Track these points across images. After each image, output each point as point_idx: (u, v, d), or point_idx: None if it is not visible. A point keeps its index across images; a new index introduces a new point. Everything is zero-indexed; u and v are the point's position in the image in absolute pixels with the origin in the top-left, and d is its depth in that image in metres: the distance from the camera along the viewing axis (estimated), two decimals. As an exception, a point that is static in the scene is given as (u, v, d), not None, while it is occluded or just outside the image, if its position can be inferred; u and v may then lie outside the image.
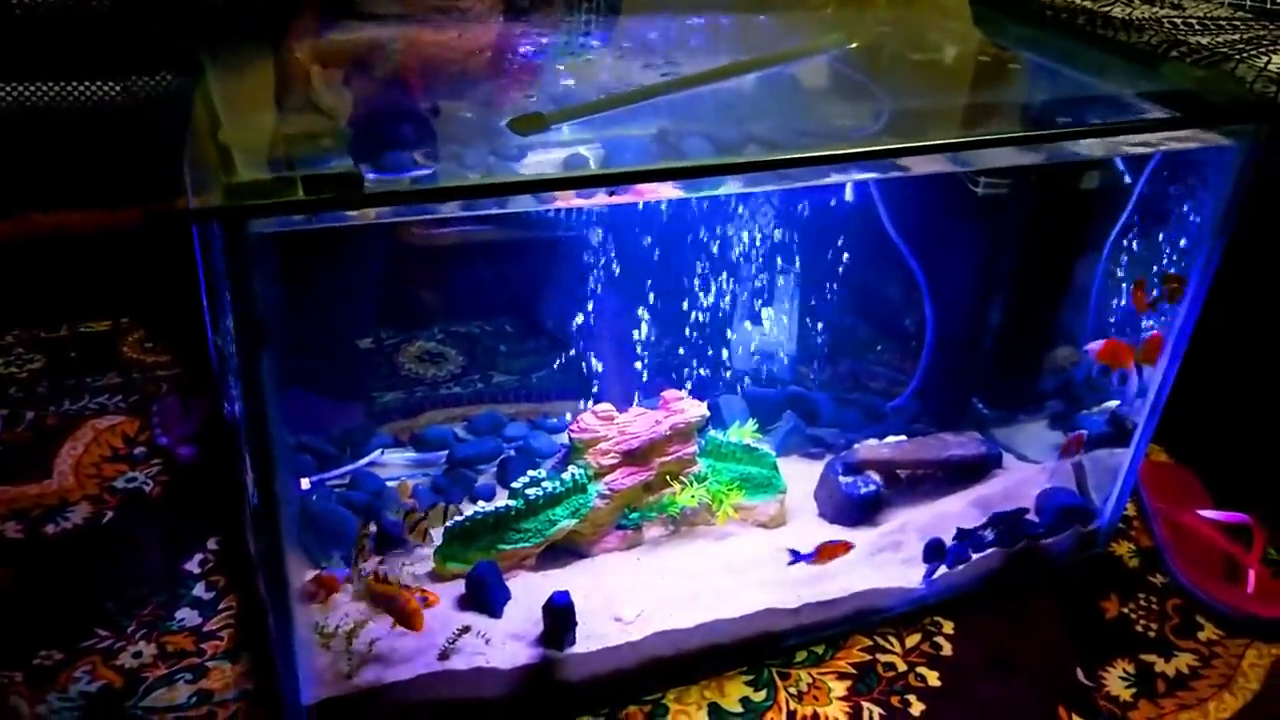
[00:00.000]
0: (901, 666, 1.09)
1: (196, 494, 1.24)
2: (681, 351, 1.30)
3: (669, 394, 1.16)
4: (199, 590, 1.11)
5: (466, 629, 0.98)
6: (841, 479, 1.20)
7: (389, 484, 1.18)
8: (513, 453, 1.24)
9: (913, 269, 1.30)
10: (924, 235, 1.28)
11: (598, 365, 1.24)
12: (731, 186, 0.90)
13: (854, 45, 1.06)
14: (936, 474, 1.25)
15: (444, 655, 0.96)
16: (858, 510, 1.19)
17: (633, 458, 1.12)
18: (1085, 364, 1.18)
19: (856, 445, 1.24)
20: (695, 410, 1.15)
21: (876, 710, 1.04)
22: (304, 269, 1.10)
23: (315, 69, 1.00)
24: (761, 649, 1.08)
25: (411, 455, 1.25)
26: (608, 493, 1.11)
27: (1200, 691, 1.10)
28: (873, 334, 1.45)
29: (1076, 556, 1.23)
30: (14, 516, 1.19)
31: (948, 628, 1.14)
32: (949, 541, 1.13)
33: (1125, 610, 1.20)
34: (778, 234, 1.30)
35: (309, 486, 1.13)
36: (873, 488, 1.19)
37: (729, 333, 1.35)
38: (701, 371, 1.32)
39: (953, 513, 1.20)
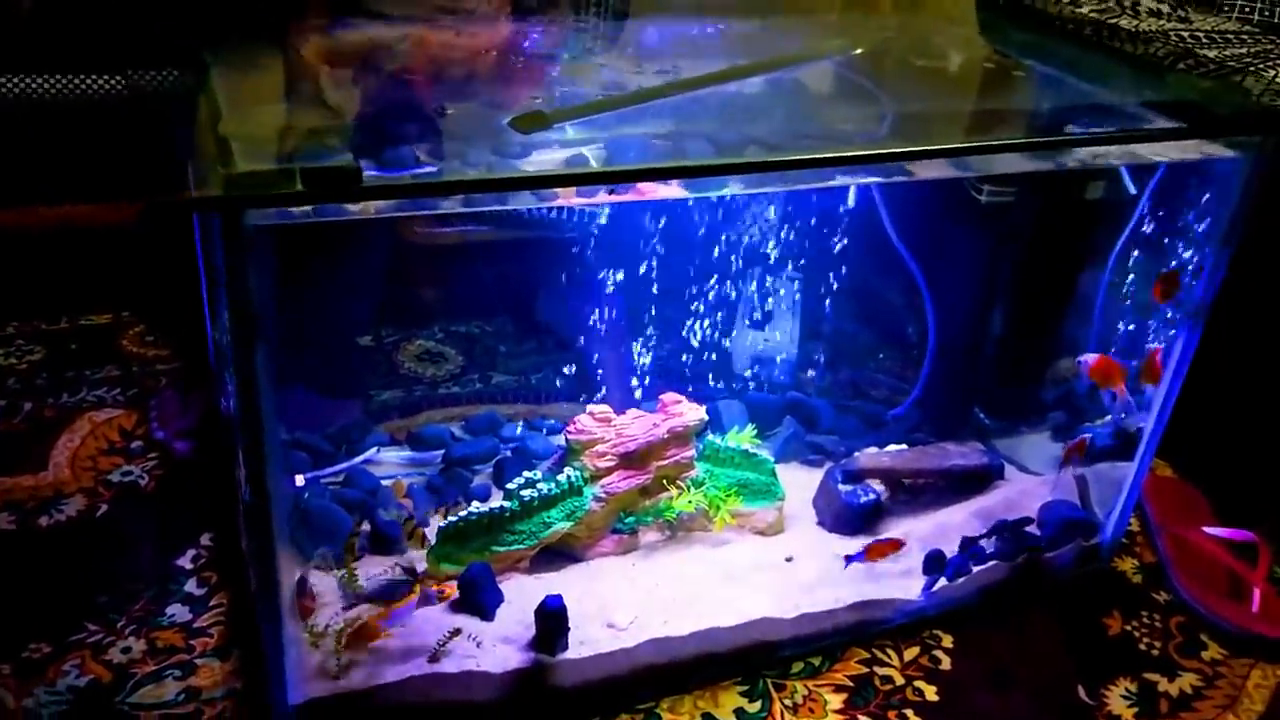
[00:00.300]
0: (899, 680, 1.08)
1: (191, 489, 1.23)
2: (681, 355, 1.30)
3: (667, 397, 1.15)
4: (190, 586, 1.10)
5: (458, 631, 0.97)
6: (841, 487, 1.19)
7: (384, 482, 1.17)
8: (509, 453, 1.24)
9: (915, 276, 1.29)
10: (927, 243, 1.28)
11: (597, 367, 1.24)
12: (733, 188, 0.90)
13: (859, 51, 1.05)
14: (937, 484, 1.24)
15: (434, 657, 0.96)
16: (857, 519, 1.18)
17: (630, 461, 1.11)
18: (1081, 376, 1.17)
19: (857, 453, 1.23)
20: (694, 414, 1.14)
21: (872, 723, 1.03)
22: (304, 264, 1.10)
23: (321, 67, 1.00)
24: (757, 659, 1.07)
25: (407, 454, 1.25)
26: (604, 496, 1.10)
27: (1204, 712, 1.08)
28: (874, 341, 1.44)
29: (1079, 571, 1.22)
30: (8, 508, 1.18)
31: (947, 641, 1.13)
32: (949, 553, 1.12)
33: (1128, 627, 1.18)
34: (780, 239, 1.29)
35: (303, 483, 1.12)
36: (872, 497, 1.18)
37: (729, 337, 1.34)
38: (703, 375, 1.31)
39: (953, 524, 1.19)
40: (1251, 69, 1.09)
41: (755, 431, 1.22)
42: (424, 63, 1.05)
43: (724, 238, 1.24)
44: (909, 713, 1.04)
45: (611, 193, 0.81)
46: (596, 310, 1.21)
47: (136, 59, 1.39)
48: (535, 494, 1.07)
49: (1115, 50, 1.15)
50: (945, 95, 1.06)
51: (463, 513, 1.05)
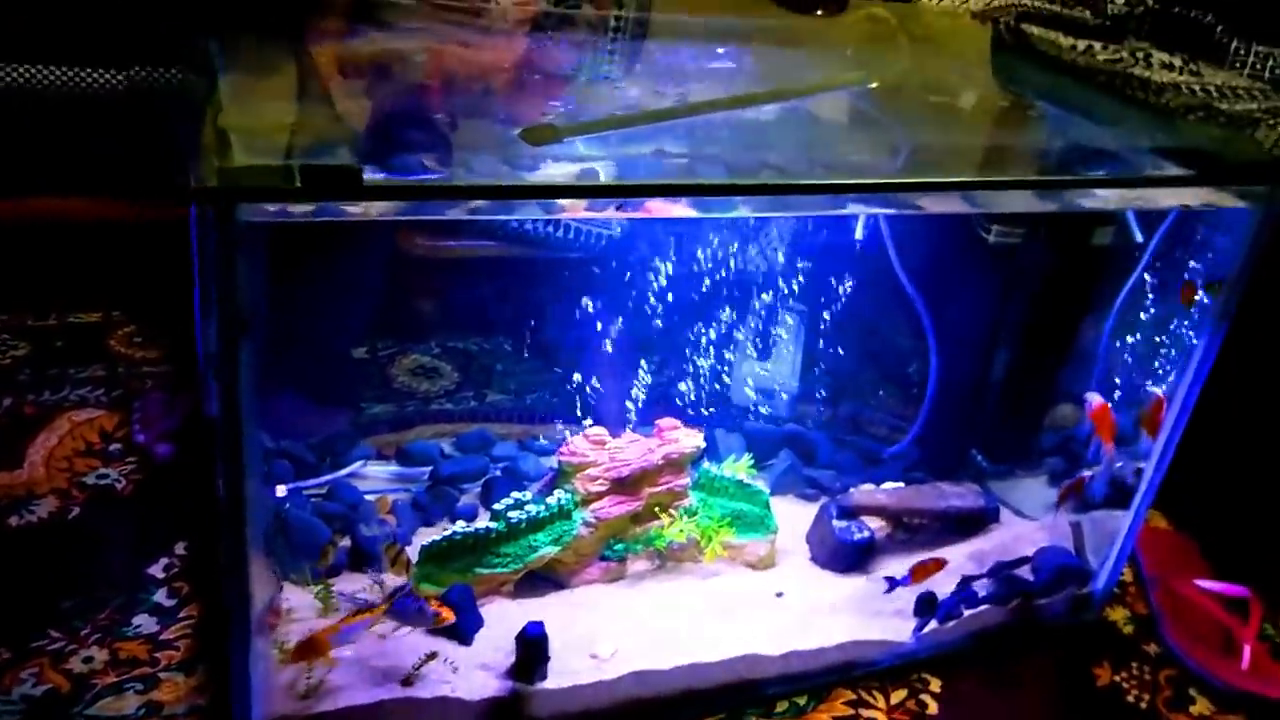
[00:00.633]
0: (885, 723, 1.06)
1: (169, 495, 1.21)
2: (680, 382, 1.29)
3: (664, 422, 1.14)
4: (160, 596, 1.08)
5: (434, 655, 0.95)
6: (835, 523, 1.17)
7: (368, 497, 1.15)
8: (499, 473, 1.22)
9: (920, 314, 1.29)
10: (933, 281, 1.28)
11: (594, 390, 1.23)
12: (742, 211, 0.89)
13: (874, 85, 1.05)
14: (932, 525, 1.23)
15: (408, 681, 0.93)
16: (851, 557, 1.16)
17: (622, 486, 1.10)
18: (1084, 415, 1.16)
19: (852, 489, 1.22)
20: (690, 440, 1.13)
21: (857, 768, 1.01)
22: (299, 267, 1.08)
23: (333, 72, 0.99)
24: (742, 696, 1.04)
25: (394, 469, 1.23)
26: (593, 521, 1.08)
27: (1191, 769, 1.07)
28: (875, 377, 1.44)
29: (1070, 619, 1.21)
30: (-22, 505, 1.16)
31: (935, 685, 1.11)
32: (941, 595, 1.11)
33: (1117, 678, 1.17)
34: (785, 270, 1.29)
35: (284, 494, 1.10)
36: (867, 534, 1.17)
37: (729, 365, 1.34)
38: (701, 402, 1.30)
39: (948, 565, 1.16)
40: (1264, 123, 1.09)
41: (751, 462, 1.21)
42: (438, 75, 1.04)
43: (729, 266, 1.24)
44: (895, 759, 1.02)
45: (620, 208, 0.80)
46: (596, 333, 1.20)
47: (141, 55, 1.38)
48: (523, 516, 1.05)
49: (1128, 97, 1.15)
50: (958, 132, 1.06)
51: (447, 532, 1.03)
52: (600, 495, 1.09)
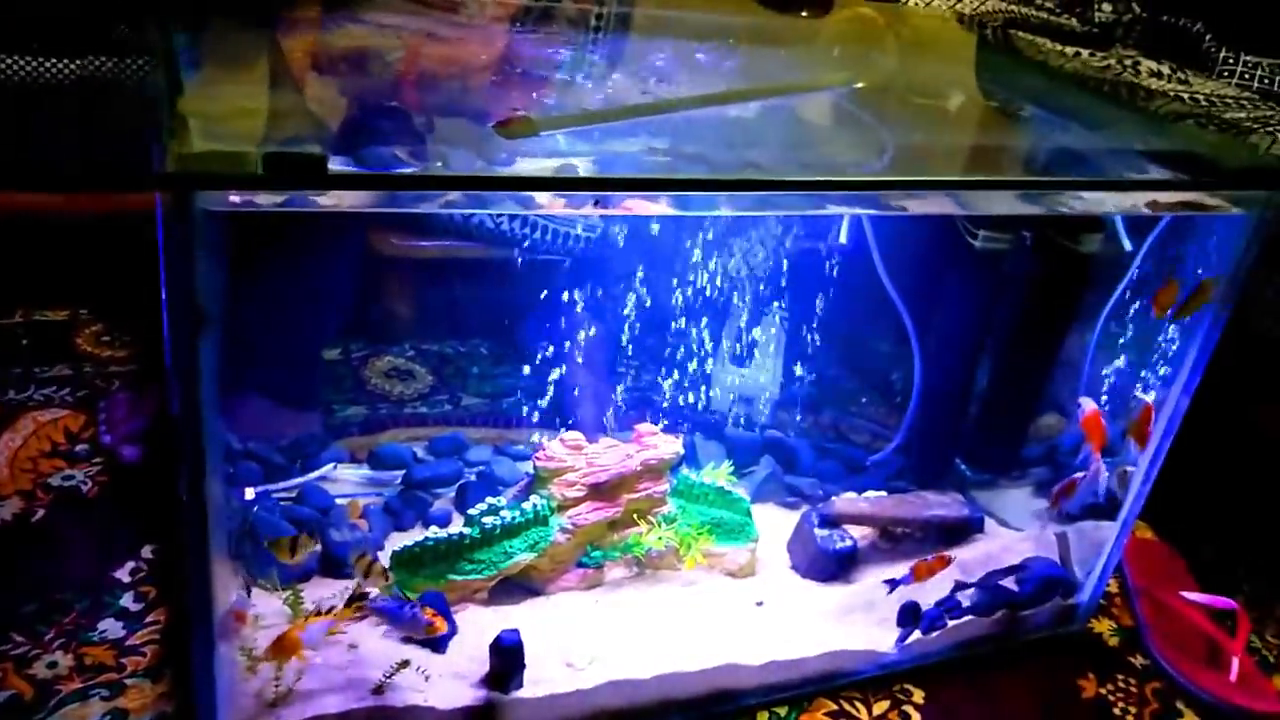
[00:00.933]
0: (867, 735, 1.04)
1: (136, 498, 1.18)
2: (659, 386, 1.28)
3: (643, 427, 1.13)
4: (127, 600, 1.05)
5: (405, 663, 0.93)
6: (817, 532, 1.16)
7: (339, 501, 1.13)
8: (473, 478, 1.20)
9: (904, 320, 1.28)
10: (918, 286, 1.27)
11: (571, 394, 1.21)
12: (724, 210, 0.87)
13: (860, 85, 1.04)
14: (915, 534, 1.21)
15: (379, 690, 0.91)
16: (832, 566, 1.15)
17: (600, 492, 1.08)
18: (1075, 418, 1.15)
19: (834, 498, 1.21)
20: (669, 446, 1.12)
21: (838, 782, 0.99)
22: (268, 263, 1.06)
23: (306, 61, 0.97)
24: (720, 706, 1.03)
25: (366, 473, 1.21)
26: (570, 527, 1.07)
27: (1178, 783, 1.05)
28: (858, 384, 1.43)
29: (1055, 631, 1.20)
30: (-62, 507, 1.13)
31: (918, 696, 1.10)
32: (925, 605, 1.09)
33: (1103, 691, 1.16)
34: (767, 274, 1.28)
35: (253, 497, 1.07)
36: (849, 544, 1.16)
37: (709, 370, 1.32)
38: (680, 407, 1.28)
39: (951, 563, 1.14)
40: (1255, 129, 1.09)
41: (731, 469, 1.19)
42: (414, 70, 1.03)
43: (710, 269, 1.22)
44: (877, 772, 1.00)
45: (597, 204, 0.79)
46: (574, 336, 1.18)
47: (94, 43, 1.35)
48: (498, 521, 1.03)
49: (1118, 102, 1.15)
50: (945, 134, 1.05)
51: (420, 537, 1.01)
52: (577, 501, 1.07)
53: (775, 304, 1.30)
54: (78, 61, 1.37)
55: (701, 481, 1.15)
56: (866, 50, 1.13)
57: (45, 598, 1.03)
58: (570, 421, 1.16)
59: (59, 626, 1.00)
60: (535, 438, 1.17)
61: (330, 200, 0.74)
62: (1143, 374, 1.11)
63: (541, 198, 0.81)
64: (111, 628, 1.01)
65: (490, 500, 1.05)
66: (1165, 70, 1.29)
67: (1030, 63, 1.24)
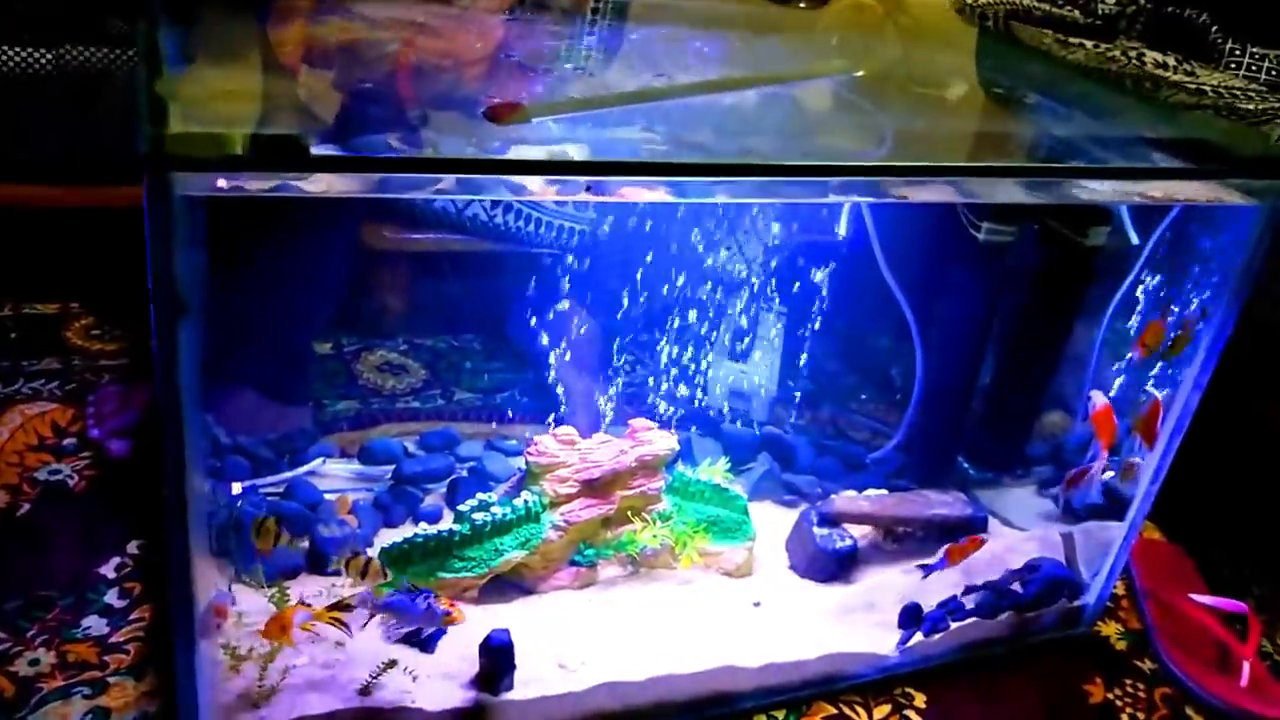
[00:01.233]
0: (867, 740, 1.03)
1: (123, 493, 1.17)
2: (654, 382, 1.26)
3: (637, 422, 1.11)
4: (111, 597, 1.04)
5: (393, 663, 0.91)
6: (816, 531, 1.14)
7: (328, 496, 1.12)
8: (464, 473, 1.19)
9: (905, 314, 1.27)
10: (920, 280, 1.25)
11: (565, 389, 1.19)
12: (721, 197, 0.85)
13: (860, 74, 1.03)
14: (917, 533, 1.19)
15: (365, 690, 0.90)
16: (832, 565, 1.13)
17: (593, 488, 1.07)
18: (1084, 410, 1.13)
19: (834, 496, 1.19)
20: (664, 442, 1.10)
21: (836, 787, 0.97)
22: (258, 254, 1.05)
23: (298, 53, 0.96)
24: (717, 709, 1.01)
25: (355, 468, 1.19)
26: (563, 525, 1.05)
27: (1187, 791, 1.03)
28: (858, 380, 1.42)
29: (1060, 634, 1.18)
30: (-78, 500, 1.12)
31: (920, 700, 1.08)
32: (927, 607, 1.08)
33: (1111, 696, 1.14)
34: (766, 267, 1.27)
35: (240, 492, 1.06)
36: (849, 543, 1.14)
37: (706, 365, 1.31)
38: (676, 403, 1.27)
39: (932, 576, 1.12)
40: (1267, 121, 1.07)
41: (728, 466, 1.18)
42: (409, 58, 1.01)
43: (706, 262, 1.21)
44: (876, 777, 0.98)
45: (589, 189, 0.77)
46: (568, 331, 1.17)
47: (71, 32, 1.34)
48: (488, 518, 1.02)
49: (1122, 91, 1.12)
50: (947, 122, 1.04)
51: (410, 533, 1.00)
52: (570, 497, 1.06)
53: (773, 298, 1.28)
54: (70, 53, 1.36)
55: (697, 478, 1.13)
56: (866, 40, 1.11)
57: (29, 594, 1.02)
58: (561, 413, 1.14)
59: (42, 623, 0.99)
60: (527, 433, 1.15)
61: (318, 186, 0.73)
62: (1152, 369, 1.09)
63: (533, 184, 0.80)
64: (95, 624, 1.00)
65: (481, 496, 1.04)
66: (1171, 62, 1.27)
67: (1033, 53, 1.22)
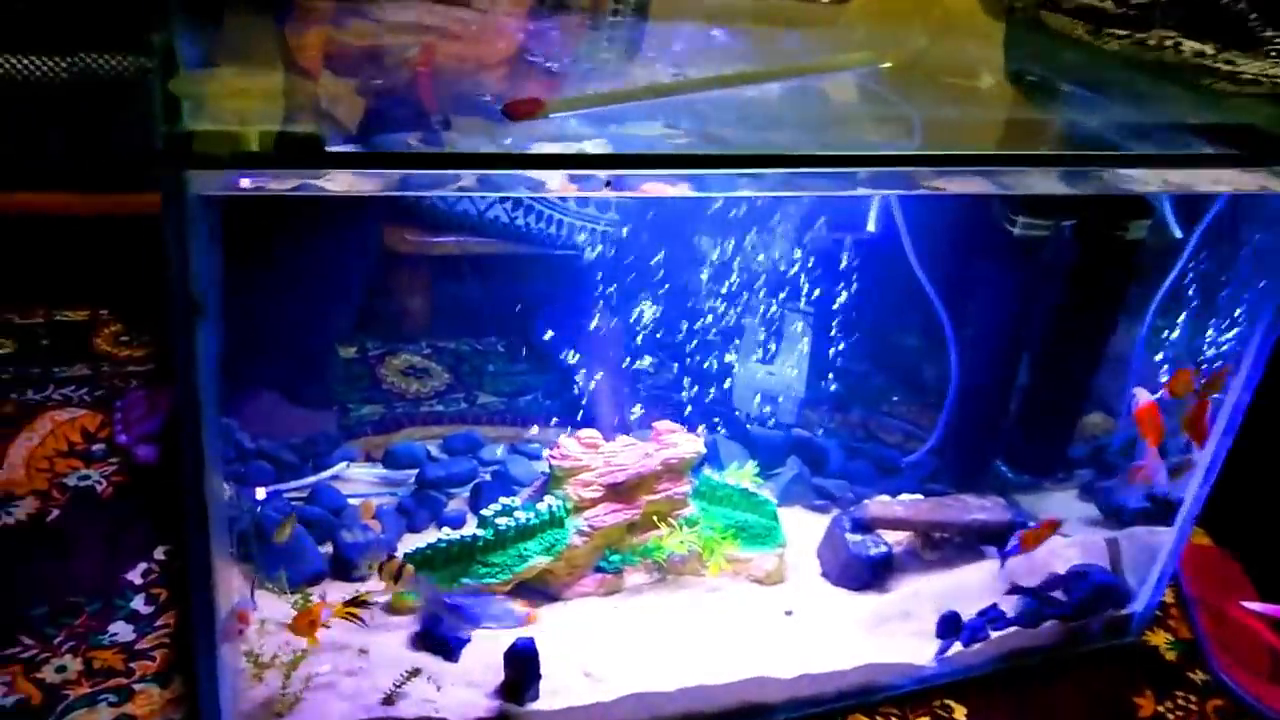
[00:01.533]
0: (904, 754, 1.02)
1: (150, 498, 1.18)
2: (680, 384, 1.26)
3: (662, 425, 1.10)
4: (138, 603, 1.05)
5: (416, 672, 0.91)
6: (849, 537, 1.12)
7: (351, 501, 1.12)
8: (488, 477, 1.18)
9: (938, 312, 1.24)
10: (953, 277, 1.23)
11: (589, 391, 1.18)
12: (745, 191, 0.84)
13: (886, 65, 1.00)
14: (955, 539, 1.17)
15: (389, 700, 0.90)
16: (866, 573, 1.11)
17: (618, 493, 1.06)
18: (1128, 409, 1.10)
19: (867, 501, 1.17)
20: (690, 445, 1.09)
21: (872, 803, 0.96)
22: (281, 258, 1.05)
23: (319, 55, 0.96)
24: (748, 721, 0.99)
25: (380, 472, 1.19)
26: (587, 530, 1.04)
27: (1243, 809, 0.99)
28: (890, 381, 1.40)
29: (1107, 644, 1.15)
30: (-47, 506, 1.14)
31: (959, 713, 1.06)
32: (966, 616, 1.06)
33: (1161, 709, 1.11)
34: (793, 265, 1.25)
35: (264, 497, 1.06)
36: (884, 549, 1.12)
37: (733, 366, 1.30)
38: (703, 406, 1.26)
39: (971, 583, 1.13)
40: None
41: (756, 470, 1.16)
42: (430, 63, 1.01)
43: (732, 261, 1.19)
44: (914, 793, 0.96)
45: (609, 185, 0.76)
46: (593, 332, 1.16)
47: (85, 40, 1.36)
48: (512, 523, 1.01)
49: (1162, 79, 1.09)
50: (976, 113, 1.02)
51: (433, 538, 1.00)
52: (594, 502, 1.05)
53: (802, 297, 1.26)
54: (102, 61, 1.38)
55: (725, 483, 1.12)
56: (893, 31, 1.09)
57: (56, 600, 1.03)
58: (584, 413, 1.13)
59: (69, 629, 1.00)
60: (550, 435, 1.15)
61: (339, 186, 0.72)
62: (1199, 365, 1.05)
63: (553, 181, 0.79)
64: (122, 631, 1.01)
65: (504, 500, 1.03)
66: (1209, 50, 1.24)
67: (1065, 40, 1.19)
